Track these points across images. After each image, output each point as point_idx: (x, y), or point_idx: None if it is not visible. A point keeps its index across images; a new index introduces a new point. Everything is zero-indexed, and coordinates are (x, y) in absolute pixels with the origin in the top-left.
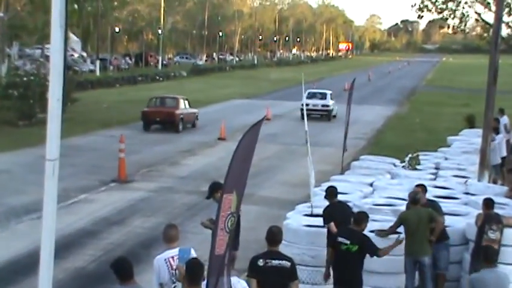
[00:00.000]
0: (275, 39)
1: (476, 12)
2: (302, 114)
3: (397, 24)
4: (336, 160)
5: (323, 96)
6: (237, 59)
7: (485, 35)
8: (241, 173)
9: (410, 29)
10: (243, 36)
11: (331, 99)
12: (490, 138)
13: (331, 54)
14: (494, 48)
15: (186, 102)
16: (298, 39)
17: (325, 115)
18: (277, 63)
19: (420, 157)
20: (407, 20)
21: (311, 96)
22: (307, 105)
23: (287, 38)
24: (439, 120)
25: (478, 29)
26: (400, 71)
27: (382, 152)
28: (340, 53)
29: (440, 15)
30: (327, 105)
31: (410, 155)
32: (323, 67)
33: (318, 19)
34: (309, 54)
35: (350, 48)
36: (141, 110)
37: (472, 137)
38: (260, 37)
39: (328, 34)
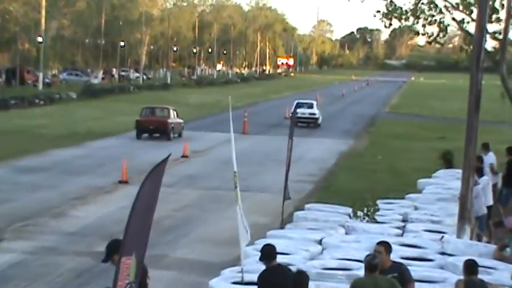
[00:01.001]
0: (194, 51)
1: (454, 19)
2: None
3: (352, 33)
4: (275, 210)
5: (310, 105)
6: (145, 76)
7: (466, 47)
8: (142, 229)
9: (369, 39)
10: (152, 47)
11: (317, 108)
12: (472, 182)
13: (267, 72)
14: (476, 65)
15: (175, 112)
16: (224, 52)
17: (313, 123)
18: (197, 83)
19: (383, 206)
20: (365, 28)
21: (299, 106)
22: (296, 113)
23: (210, 50)
24: (407, 158)
25: (457, 40)
26: (356, 93)
27: (334, 199)
28: (279, 70)
29: (412, 23)
30: (314, 114)
31: (370, 203)
32: (257, 88)
33: (250, 25)
34: (238, 71)
35: (292, 63)
36: (136, 119)
37: (449, 180)
38: (175, 48)
39: (263, 45)
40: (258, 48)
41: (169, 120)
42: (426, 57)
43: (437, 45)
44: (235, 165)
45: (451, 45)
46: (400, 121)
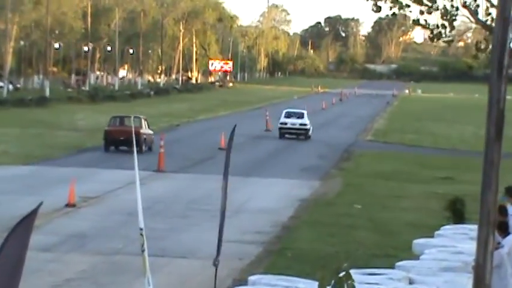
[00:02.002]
0: (86, 49)
1: (465, 6)
2: (281, 133)
3: (318, 24)
4: (203, 284)
5: (300, 115)
6: (11, 86)
7: (483, 46)
8: None
9: (343, 34)
10: (22, 43)
11: (308, 118)
12: (492, 244)
13: (194, 80)
14: (498, 72)
15: (146, 122)
16: (131, 51)
17: (303, 134)
18: (90, 96)
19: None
20: (337, 18)
21: (289, 115)
22: (285, 124)
23: (110, 48)
24: (398, 209)
25: (470, 36)
26: (324, 113)
27: (292, 269)
28: (212, 78)
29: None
30: (305, 124)
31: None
32: (179, 104)
33: (169, 12)
34: (152, 79)
35: (230, 68)
36: (104, 129)
37: (459, 241)
38: (57, 45)
39: (188, 41)
40: (181, 46)
41: (142, 131)
42: (426, 61)
43: (442, 43)
44: (141, 218)
45: (461, 44)
46: (388, 154)
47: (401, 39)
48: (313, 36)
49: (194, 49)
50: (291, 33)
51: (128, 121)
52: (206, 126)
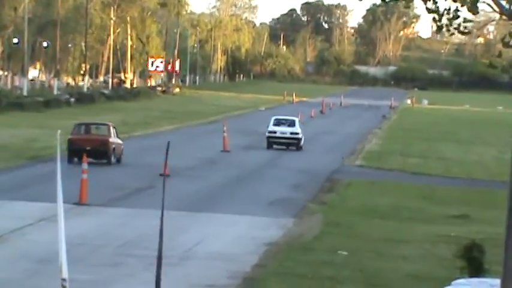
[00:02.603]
0: None
1: None
2: (269, 143)
3: (293, 12)
4: None
5: (291, 123)
6: None
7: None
8: None
9: (325, 25)
10: None
11: (300, 126)
12: None
13: (129, 84)
14: None
15: (115, 130)
16: (45, 44)
17: (294, 144)
18: None
19: None
20: (317, 3)
21: (278, 123)
22: (274, 133)
23: (16, 41)
24: (397, 256)
25: (492, 30)
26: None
27: None
28: (152, 82)
29: None
30: (297, 133)
31: None
32: (108, 115)
33: None
34: (72, 82)
35: (177, 69)
36: (68, 138)
37: None
38: None
39: (122, 33)
40: (112, 38)
41: (111, 140)
42: (434, 62)
43: (456, 38)
44: (64, 267)
45: (480, 40)
46: (384, 183)
47: (402, 33)
48: (286, 28)
49: (129, 43)
50: (257, 24)
51: (95, 129)
52: (144, 145)
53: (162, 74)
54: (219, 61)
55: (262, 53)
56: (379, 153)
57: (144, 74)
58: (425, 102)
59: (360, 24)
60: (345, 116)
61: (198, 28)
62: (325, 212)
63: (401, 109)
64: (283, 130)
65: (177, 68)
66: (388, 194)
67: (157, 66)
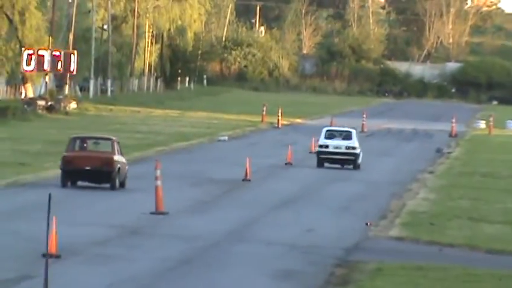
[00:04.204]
0: None
1: None
2: (320, 159)
3: None
4: None
5: (347, 135)
6: None
7: None
8: None
9: None
10: None
11: (357, 139)
12: None
13: None
14: None
15: (119, 146)
16: None
17: (351, 161)
18: None
19: None
20: None
21: (331, 135)
22: (326, 147)
23: None
24: None
25: None
26: (291, 174)
27: None
28: (30, 92)
29: None
30: (354, 147)
31: None
32: None
33: None
34: None
35: (72, 70)
36: (62, 155)
37: None
38: None
39: None
40: None
41: (116, 158)
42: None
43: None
44: None
45: None
46: (439, 270)
47: (469, 3)
48: None
49: None
50: None
51: (95, 145)
52: (15, 204)
53: (47, 78)
54: (148, 54)
55: (223, 41)
56: (430, 215)
57: (15, 79)
58: None
59: None
60: (370, 151)
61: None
62: None
63: (470, 138)
64: (338, 144)
65: (72, 66)
66: None
67: (37, 64)
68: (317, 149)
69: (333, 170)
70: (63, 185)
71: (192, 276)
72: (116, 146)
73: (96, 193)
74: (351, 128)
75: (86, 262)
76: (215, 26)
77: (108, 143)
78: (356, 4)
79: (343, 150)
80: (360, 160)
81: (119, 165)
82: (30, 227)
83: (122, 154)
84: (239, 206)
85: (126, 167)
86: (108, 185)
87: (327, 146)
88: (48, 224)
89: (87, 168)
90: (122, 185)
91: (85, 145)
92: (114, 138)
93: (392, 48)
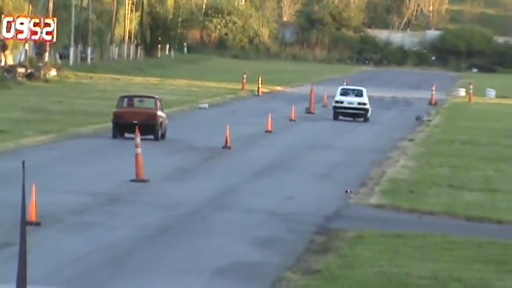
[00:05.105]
0: None
1: None
2: (336, 113)
3: None
4: None
5: (359, 93)
6: None
7: None
8: None
9: None
10: None
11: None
12: None
13: None
14: None
15: (160, 103)
16: None
17: (362, 115)
18: None
19: None
20: None
21: (345, 93)
22: (341, 103)
23: None
24: None
25: None
26: (272, 140)
27: None
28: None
29: None
30: (364, 103)
31: None
32: None
33: None
34: None
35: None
36: (113, 111)
37: None
38: None
39: None
40: None
41: (159, 114)
42: (508, 24)
43: None
44: None
45: None
46: (419, 237)
47: None
48: None
49: None
50: None
51: (140, 102)
52: None
53: (27, 45)
54: (129, 22)
55: (203, 8)
56: (410, 183)
57: None
58: (491, 93)
59: None
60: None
61: None
62: None
63: (450, 105)
64: (351, 100)
65: (50, 34)
66: (427, 256)
67: (17, 31)
68: (333, 104)
69: (316, 134)
70: (114, 136)
71: (171, 244)
72: (158, 103)
73: (77, 161)
74: (362, 87)
75: (66, 230)
76: None
77: (151, 101)
78: None
79: (355, 105)
80: (369, 114)
81: (161, 120)
82: (12, 194)
83: (162, 110)
84: (219, 173)
85: (166, 121)
86: (152, 136)
87: (342, 102)
88: (23, 192)
89: (135, 122)
90: (163, 136)
91: (132, 102)
92: (156, 96)
93: (372, 16)
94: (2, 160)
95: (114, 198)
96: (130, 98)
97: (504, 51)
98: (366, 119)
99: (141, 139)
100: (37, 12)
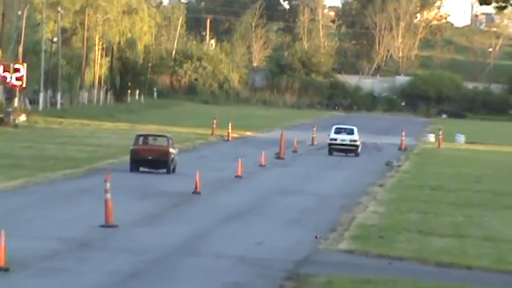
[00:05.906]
0: None
1: None
2: (330, 149)
3: None
4: None
5: (350, 131)
6: None
7: None
8: None
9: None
10: None
11: (358, 134)
12: None
13: None
14: None
15: (172, 141)
16: None
17: (353, 150)
18: None
19: None
20: None
21: (338, 131)
22: (335, 140)
23: None
24: None
25: None
26: (243, 185)
27: None
28: None
29: None
30: (355, 140)
31: None
32: None
33: None
34: None
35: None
36: (130, 149)
37: None
38: None
39: None
40: None
41: (171, 150)
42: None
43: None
44: None
45: None
46: (389, 284)
47: (419, 17)
48: (216, 8)
49: None
50: (166, 2)
51: (154, 140)
52: None
53: None
54: (98, 67)
55: (173, 53)
56: (379, 228)
57: None
58: (461, 139)
59: (345, 3)
60: (319, 164)
61: (59, 8)
62: None
63: (419, 151)
64: (343, 138)
65: (20, 79)
66: None
67: None
68: (328, 141)
69: (285, 179)
70: (131, 170)
71: None
72: (170, 141)
73: (46, 206)
74: (353, 126)
75: (35, 275)
76: (165, 39)
77: (164, 139)
78: (306, 18)
79: (347, 142)
80: (359, 150)
81: (172, 156)
82: None
83: (174, 147)
84: (189, 219)
85: (177, 157)
86: (164, 170)
87: (335, 139)
88: None
89: (150, 158)
90: (174, 170)
91: (147, 141)
92: (168, 135)
93: (342, 62)
94: None
95: (84, 244)
96: (146, 136)
97: (473, 97)
98: (357, 154)
99: (153, 172)
100: (7, 58)
